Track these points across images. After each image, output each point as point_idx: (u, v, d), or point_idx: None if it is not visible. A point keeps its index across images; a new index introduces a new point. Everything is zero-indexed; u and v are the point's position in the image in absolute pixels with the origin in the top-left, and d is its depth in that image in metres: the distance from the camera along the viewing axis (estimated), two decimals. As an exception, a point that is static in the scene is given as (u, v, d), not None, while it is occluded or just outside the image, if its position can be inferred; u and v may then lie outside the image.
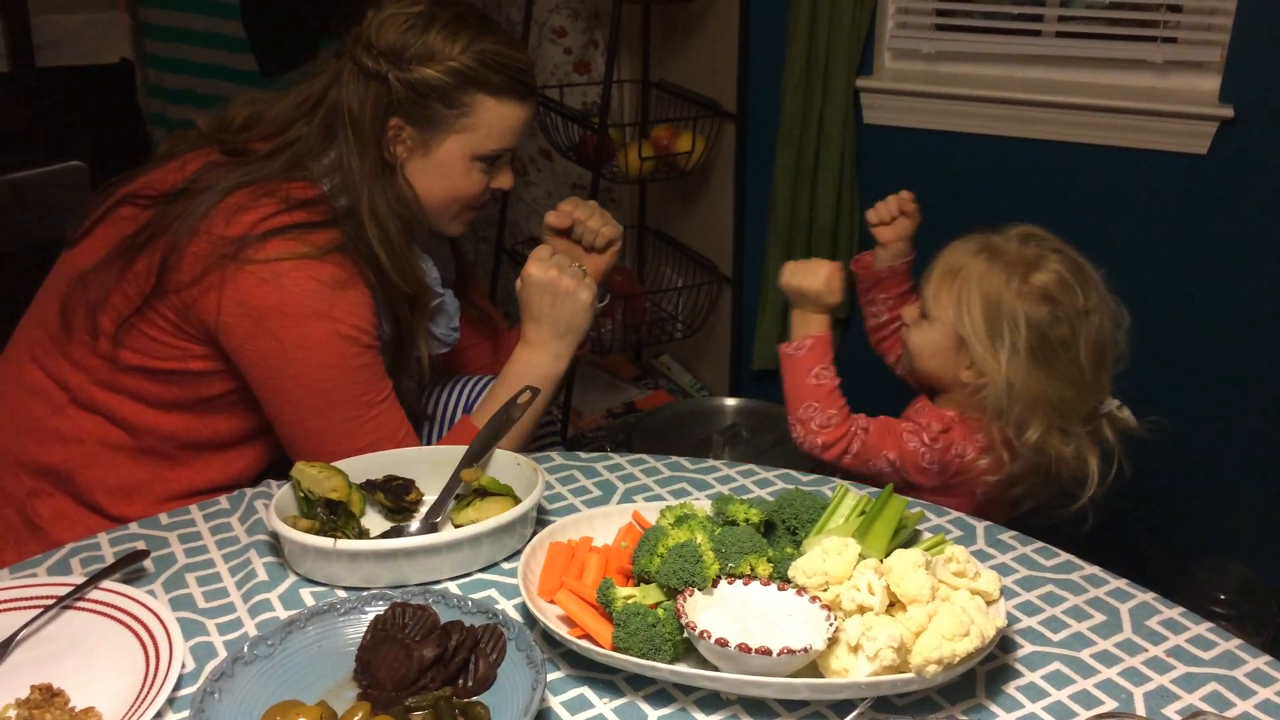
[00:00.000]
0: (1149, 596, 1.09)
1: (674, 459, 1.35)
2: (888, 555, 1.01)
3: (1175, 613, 1.07)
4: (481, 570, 1.12)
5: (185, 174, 1.34)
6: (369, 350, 1.35)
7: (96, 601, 1.04)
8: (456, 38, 1.34)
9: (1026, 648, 1.02)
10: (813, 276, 1.50)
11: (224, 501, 1.26)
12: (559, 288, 1.42)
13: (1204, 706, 0.94)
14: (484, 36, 1.36)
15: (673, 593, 0.99)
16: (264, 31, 3.06)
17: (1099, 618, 1.06)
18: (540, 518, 1.21)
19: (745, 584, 1.01)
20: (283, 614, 1.05)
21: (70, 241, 1.40)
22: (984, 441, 1.45)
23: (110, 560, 1.12)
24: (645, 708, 0.94)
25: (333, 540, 1.07)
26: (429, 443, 1.53)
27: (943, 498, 1.43)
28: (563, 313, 1.42)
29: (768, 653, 0.90)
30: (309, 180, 1.35)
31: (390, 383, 1.39)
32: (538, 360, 1.44)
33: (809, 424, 1.48)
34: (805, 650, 0.91)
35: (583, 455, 1.37)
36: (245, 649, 0.93)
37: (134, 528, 1.20)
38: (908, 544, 1.07)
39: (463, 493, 1.21)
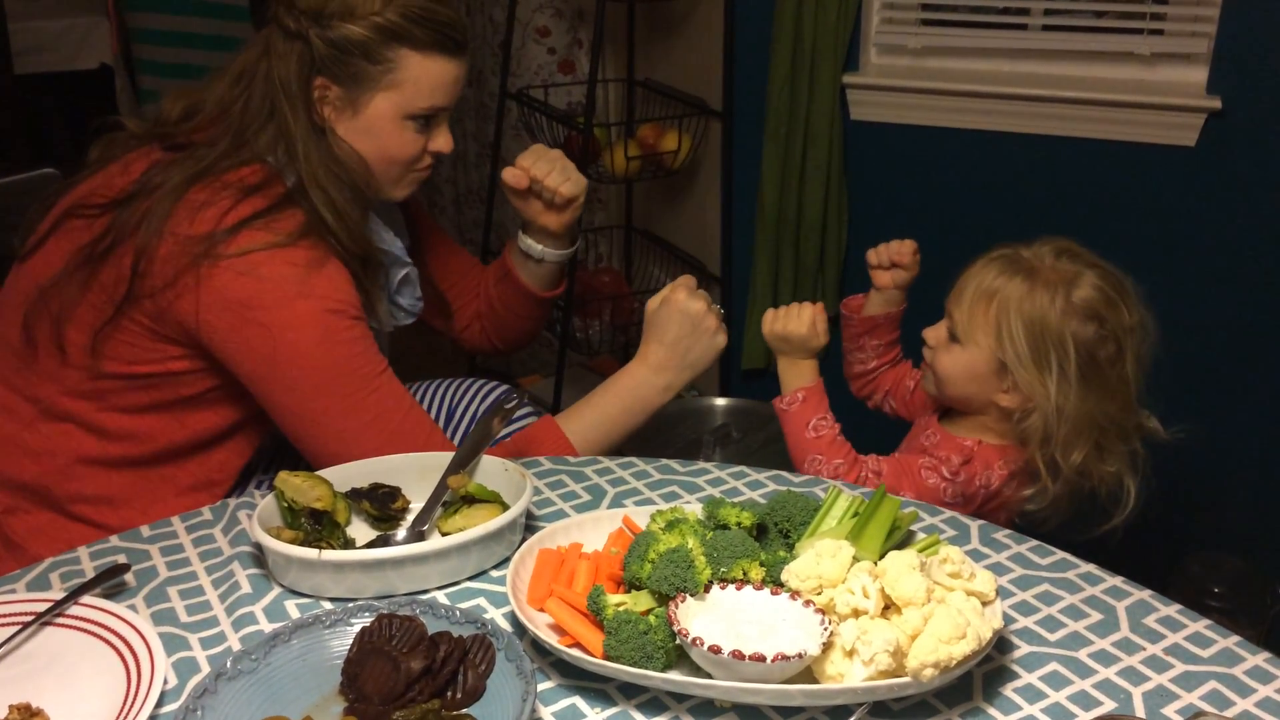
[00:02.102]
0: (1146, 594, 1.08)
1: (664, 462, 1.33)
2: (882, 557, 0.99)
3: (1173, 610, 1.06)
4: (470, 579, 1.11)
5: (131, 176, 1.32)
6: (358, 323, 1.33)
7: (76, 617, 1.02)
8: None
9: (1024, 648, 1.00)
10: (796, 321, 1.45)
11: (206, 513, 1.24)
12: (703, 324, 1.42)
13: (1204, 706, 0.93)
14: None
15: (664, 599, 0.97)
16: None
17: (1096, 616, 1.05)
18: (529, 524, 1.19)
19: (738, 589, 0.99)
20: (267, 627, 1.03)
21: (21, 256, 1.37)
22: (1011, 466, 1.41)
23: (90, 574, 1.10)
24: (638, 717, 0.92)
25: (317, 551, 1.05)
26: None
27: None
28: (695, 347, 1.42)
29: (761, 659, 0.89)
30: (257, 160, 1.33)
31: (385, 358, 1.37)
32: (651, 383, 1.44)
33: (819, 475, 1.42)
34: (799, 656, 0.89)
35: (571, 460, 1.35)
36: (228, 664, 0.91)
37: (114, 541, 1.18)
38: (902, 545, 1.06)
39: (450, 500, 1.19)
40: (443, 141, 1.44)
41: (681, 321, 1.41)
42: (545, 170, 1.53)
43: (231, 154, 1.32)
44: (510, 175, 1.55)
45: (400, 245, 1.48)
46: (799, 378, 1.47)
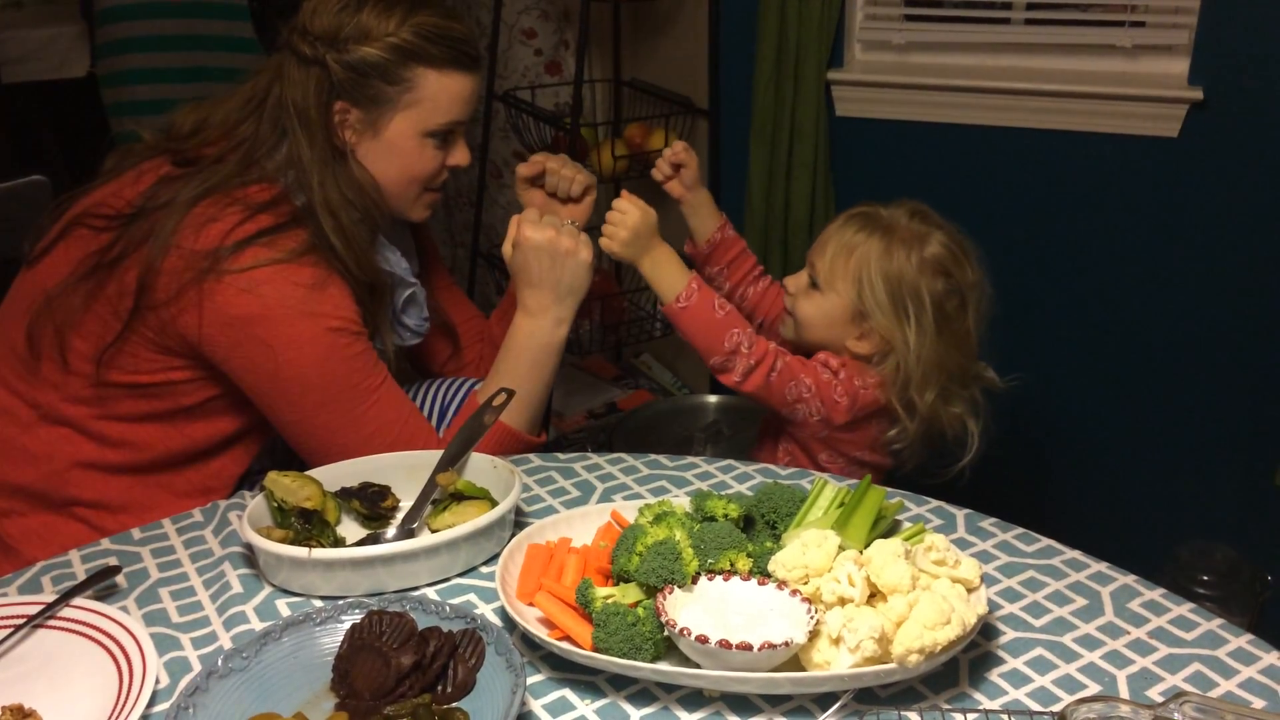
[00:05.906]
0: (1130, 579, 1.09)
1: (652, 457, 1.34)
2: (867, 546, 1.00)
3: (1156, 594, 1.07)
4: (459, 575, 1.11)
5: (140, 188, 1.32)
6: (359, 338, 1.34)
7: (68, 619, 1.02)
8: (391, 14, 1.33)
9: (1009, 634, 1.01)
10: (630, 214, 1.46)
11: (197, 514, 1.24)
12: (558, 248, 1.40)
13: (1187, 687, 0.94)
14: (419, 10, 1.35)
15: (652, 591, 0.98)
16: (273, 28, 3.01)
17: (1080, 602, 1.06)
18: (518, 520, 1.20)
19: (725, 580, 1.00)
20: (258, 626, 1.04)
21: (29, 260, 1.38)
22: (874, 380, 1.49)
23: (82, 577, 1.11)
24: (627, 708, 0.93)
25: (307, 550, 1.06)
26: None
27: (847, 434, 1.51)
28: (563, 275, 1.41)
29: (749, 648, 0.90)
30: (266, 180, 1.33)
31: (385, 366, 1.37)
32: (539, 328, 1.42)
33: (739, 350, 1.43)
34: (786, 644, 0.90)
35: (560, 456, 1.36)
36: (220, 662, 0.92)
37: (106, 543, 1.19)
38: (887, 534, 1.06)
39: (439, 497, 1.20)
40: (460, 155, 1.46)
41: (537, 257, 1.40)
42: (559, 163, 1.57)
43: (240, 173, 1.32)
44: (524, 166, 1.58)
45: (406, 265, 1.48)
46: (676, 272, 1.47)
